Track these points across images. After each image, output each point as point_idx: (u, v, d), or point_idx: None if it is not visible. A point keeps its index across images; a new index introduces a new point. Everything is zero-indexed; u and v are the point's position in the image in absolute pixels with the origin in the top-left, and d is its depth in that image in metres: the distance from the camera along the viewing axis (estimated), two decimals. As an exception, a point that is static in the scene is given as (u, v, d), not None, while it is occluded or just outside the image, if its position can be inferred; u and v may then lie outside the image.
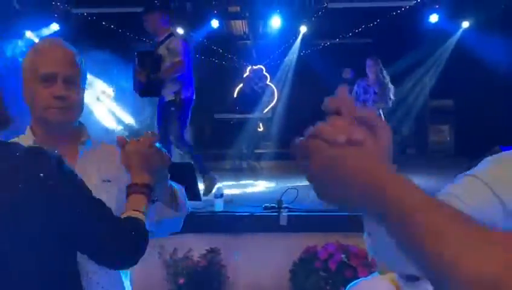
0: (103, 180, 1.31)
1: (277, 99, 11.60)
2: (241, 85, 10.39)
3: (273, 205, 3.57)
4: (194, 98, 4.53)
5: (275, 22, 8.30)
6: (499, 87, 7.90)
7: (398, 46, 8.92)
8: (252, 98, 8.87)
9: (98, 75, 7.46)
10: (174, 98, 4.17)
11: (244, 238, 3.44)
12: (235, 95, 9.99)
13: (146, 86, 4.17)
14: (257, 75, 11.81)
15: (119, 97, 7.30)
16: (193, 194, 3.53)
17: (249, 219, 3.48)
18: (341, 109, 0.55)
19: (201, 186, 4.22)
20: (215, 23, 8.09)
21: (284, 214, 3.44)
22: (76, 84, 1.27)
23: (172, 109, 4.18)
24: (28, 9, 7.56)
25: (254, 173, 7.02)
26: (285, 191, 3.73)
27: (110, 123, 7.47)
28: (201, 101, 9.41)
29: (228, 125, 8.00)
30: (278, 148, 10.76)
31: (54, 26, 8.06)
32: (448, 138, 10.34)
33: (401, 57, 8.93)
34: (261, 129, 11.56)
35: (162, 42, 4.25)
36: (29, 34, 7.68)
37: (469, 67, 7.92)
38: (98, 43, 7.95)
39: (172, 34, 4.40)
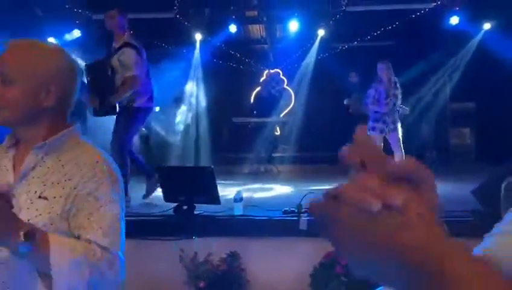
0: (39, 196, 1.13)
1: (294, 102, 11.60)
2: (258, 89, 10.42)
3: (293, 209, 3.56)
4: (151, 106, 4.28)
5: (293, 26, 8.31)
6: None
7: (418, 49, 8.83)
8: (269, 102, 8.88)
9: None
10: (126, 104, 4.01)
11: (263, 242, 3.44)
12: (252, 99, 10.02)
13: (101, 109, 3.98)
14: (274, 79, 11.83)
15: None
16: (212, 197, 3.55)
17: (268, 223, 3.48)
18: (367, 160, 0.43)
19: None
20: (233, 28, 8.14)
21: (303, 218, 3.42)
22: (18, 81, 1.12)
23: (124, 115, 4.05)
24: (51, 17, 7.73)
25: (272, 177, 7.02)
26: (305, 196, 3.71)
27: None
28: (219, 106, 9.55)
29: (246, 129, 8.03)
30: (295, 152, 10.74)
31: (76, 33, 8.23)
32: (469, 141, 10.17)
33: (421, 59, 8.84)
34: (278, 133, 11.57)
35: (116, 50, 4.04)
36: (51, 40, 7.84)
37: (491, 69, 7.79)
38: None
39: (126, 44, 4.06)
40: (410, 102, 9.31)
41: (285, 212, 3.57)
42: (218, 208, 3.62)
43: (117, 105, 3.96)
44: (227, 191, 5.10)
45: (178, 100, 8.40)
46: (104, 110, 3.98)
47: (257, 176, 7.02)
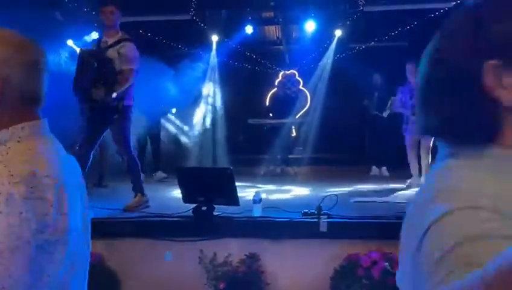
0: None
1: (311, 104, 11.54)
2: (274, 90, 10.40)
3: (313, 211, 3.53)
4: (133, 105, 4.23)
5: (309, 26, 8.27)
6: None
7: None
8: (284, 103, 8.84)
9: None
10: (116, 104, 3.94)
11: (283, 244, 3.42)
12: (268, 100, 10.00)
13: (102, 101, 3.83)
14: (290, 80, 11.79)
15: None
16: (231, 198, 3.53)
17: (288, 225, 3.45)
18: None
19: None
20: (249, 29, 8.14)
21: (323, 220, 3.39)
22: None
23: (116, 116, 3.97)
24: (70, 20, 7.84)
25: (289, 179, 6.98)
26: (324, 198, 3.68)
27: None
28: (235, 107, 9.55)
29: (262, 131, 8.00)
30: (312, 154, 10.68)
31: (94, 35, 8.31)
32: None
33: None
34: (294, 134, 11.53)
35: (112, 45, 3.98)
36: (70, 42, 7.96)
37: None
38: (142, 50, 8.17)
39: (126, 39, 4.06)
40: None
41: (304, 214, 3.54)
42: (237, 209, 3.60)
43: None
44: (244, 192, 5.10)
45: (195, 102, 8.43)
46: (104, 103, 3.86)
47: (274, 177, 6.99)
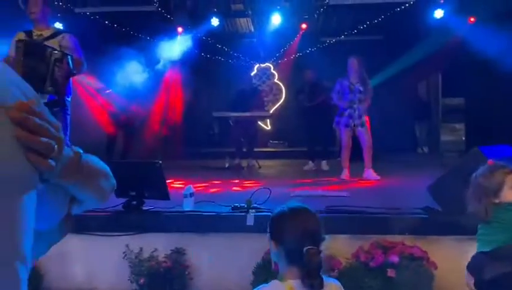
0: None
1: (285, 97, 11.52)
2: (248, 83, 10.34)
3: (242, 205, 3.50)
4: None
5: (276, 19, 8.22)
6: (508, 84, 7.61)
7: (404, 43, 8.71)
8: (258, 96, 8.79)
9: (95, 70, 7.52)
10: (57, 97, 3.97)
11: (210, 238, 3.39)
12: (240, 93, 9.92)
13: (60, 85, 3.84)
14: (264, 73, 11.74)
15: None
16: (161, 193, 3.50)
17: (216, 219, 3.42)
18: None
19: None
20: (215, 21, 8.06)
21: (251, 214, 3.37)
22: None
23: (56, 109, 4.00)
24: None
25: (249, 173, 6.96)
26: (255, 191, 3.65)
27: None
28: (201, 99, 9.49)
29: (227, 124, 7.94)
30: (285, 148, 10.68)
31: (58, 26, 8.18)
32: (463, 138, 10.02)
33: (409, 54, 8.71)
34: (268, 128, 11.50)
35: (48, 38, 3.95)
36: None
37: (477, 64, 7.65)
38: (100, 42, 8.06)
39: (62, 31, 4.08)
40: (398, 96, 9.24)
41: (234, 208, 3.51)
42: (170, 203, 3.56)
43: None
44: (197, 186, 5.07)
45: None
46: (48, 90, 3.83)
47: (235, 171, 6.96)
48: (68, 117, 4.05)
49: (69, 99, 4.10)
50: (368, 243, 3.21)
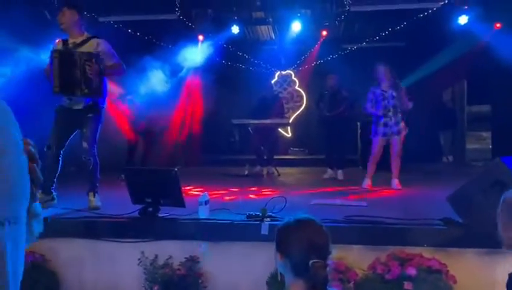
0: None
1: (306, 104, 11.46)
2: (269, 90, 10.32)
3: (257, 213, 3.48)
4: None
5: (296, 27, 8.21)
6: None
7: (427, 50, 8.57)
8: (278, 104, 8.77)
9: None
10: (92, 103, 4.04)
11: (225, 246, 3.38)
12: (261, 100, 9.94)
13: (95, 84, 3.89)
14: (285, 80, 11.72)
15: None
16: (177, 200, 3.51)
17: (231, 228, 3.41)
18: None
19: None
20: (235, 29, 8.10)
21: (265, 223, 3.34)
22: None
23: (90, 115, 4.04)
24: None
25: (268, 180, 6.93)
26: (270, 200, 3.63)
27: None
28: (221, 107, 9.52)
29: (246, 131, 7.94)
30: (305, 155, 10.61)
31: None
32: (490, 146, 9.77)
33: (432, 60, 8.56)
34: (289, 135, 11.45)
35: (80, 44, 4.02)
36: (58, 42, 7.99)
37: (503, 71, 7.46)
38: (123, 50, 8.21)
39: (95, 36, 4.13)
40: (423, 104, 9.06)
41: (249, 216, 3.49)
42: (187, 211, 3.57)
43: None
44: (214, 193, 5.08)
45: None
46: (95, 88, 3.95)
47: (253, 178, 6.94)
48: (100, 125, 4.15)
49: (104, 106, 4.19)
50: (385, 255, 3.14)
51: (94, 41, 4.06)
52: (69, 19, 4.02)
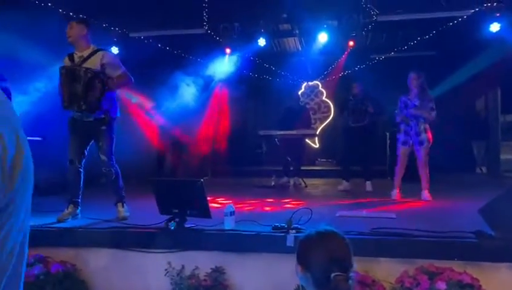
0: None
1: (334, 114, 11.38)
2: (295, 101, 10.32)
3: (283, 225, 3.47)
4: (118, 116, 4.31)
5: (323, 38, 8.20)
6: None
7: (458, 58, 8.39)
8: (304, 114, 8.76)
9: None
10: (104, 116, 4.09)
11: (250, 258, 3.38)
12: (287, 111, 9.96)
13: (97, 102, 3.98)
14: (312, 91, 11.70)
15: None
16: (203, 211, 3.54)
17: (256, 239, 3.41)
18: None
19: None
20: (262, 42, 8.17)
21: (291, 234, 3.32)
22: None
23: (103, 127, 4.10)
24: (91, 35, 8.18)
25: (294, 191, 6.90)
26: (296, 211, 3.61)
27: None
28: (252, 118, 9.59)
29: (275, 142, 7.95)
30: (332, 166, 10.51)
31: (114, 50, 8.64)
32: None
33: (464, 69, 8.38)
34: (316, 146, 11.38)
35: (87, 58, 4.06)
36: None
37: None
38: (153, 63, 8.42)
39: (101, 49, 4.16)
40: (455, 113, 8.84)
41: (274, 228, 3.48)
42: (213, 221, 3.60)
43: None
44: (240, 204, 5.10)
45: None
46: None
47: (279, 189, 6.93)
48: (114, 135, 4.20)
49: (115, 117, 4.24)
50: (414, 268, 3.06)
51: (100, 54, 4.12)
52: (76, 32, 4.09)
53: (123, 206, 4.19)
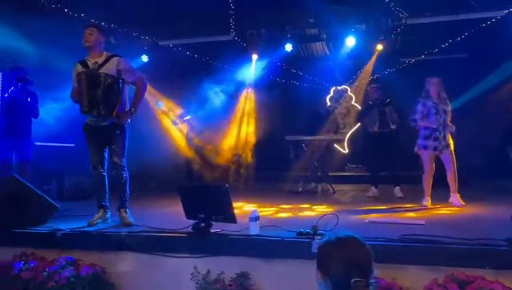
0: None
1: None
2: (323, 106, 10.25)
3: (308, 231, 3.44)
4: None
5: (350, 42, 8.14)
6: None
7: (492, 60, 8.16)
8: (332, 119, 8.71)
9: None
10: (118, 121, 4.16)
11: (274, 263, 3.37)
12: (314, 116, 9.91)
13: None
14: (341, 96, 11.59)
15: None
16: (228, 216, 3.56)
17: (281, 244, 3.39)
18: None
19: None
20: (289, 47, 8.19)
21: (316, 240, 3.29)
22: None
23: (118, 132, 4.16)
24: (122, 44, 8.42)
25: (322, 196, 6.84)
26: (321, 217, 3.57)
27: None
28: (280, 123, 9.56)
29: (302, 147, 7.92)
30: (361, 172, 10.35)
31: (144, 58, 8.85)
32: None
33: (498, 71, 8.14)
34: (346, 151, 11.25)
35: (102, 64, 4.12)
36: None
37: None
38: (182, 71, 8.56)
39: (114, 55, 4.20)
40: (489, 117, 8.58)
41: (299, 233, 3.46)
42: (239, 227, 3.61)
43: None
44: (265, 210, 5.10)
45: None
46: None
47: (307, 195, 6.88)
48: (127, 139, 4.28)
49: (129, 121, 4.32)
50: (443, 276, 2.97)
51: (115, 59, 4.17)
52: (95, 38, 4.17)
53: (126, 212, 4.26)
